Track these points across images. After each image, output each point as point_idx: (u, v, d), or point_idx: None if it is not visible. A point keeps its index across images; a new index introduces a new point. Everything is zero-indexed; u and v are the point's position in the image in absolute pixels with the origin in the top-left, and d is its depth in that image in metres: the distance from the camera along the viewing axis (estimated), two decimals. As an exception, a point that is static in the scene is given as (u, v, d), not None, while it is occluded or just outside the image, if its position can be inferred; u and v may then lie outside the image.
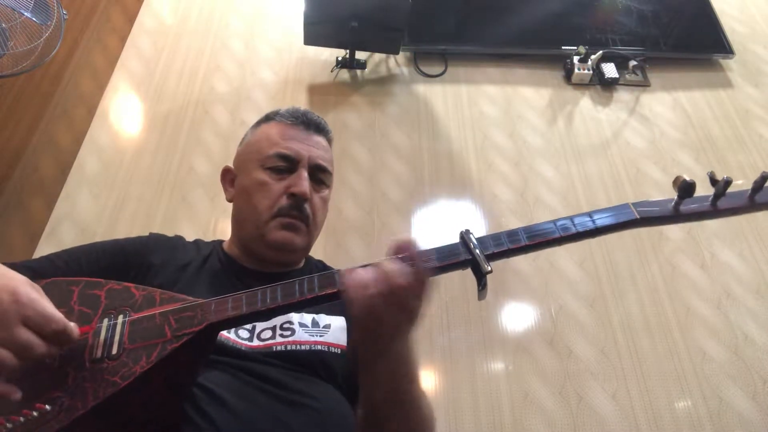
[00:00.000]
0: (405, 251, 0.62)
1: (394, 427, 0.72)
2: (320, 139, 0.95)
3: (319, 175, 0.92)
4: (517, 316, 1.89)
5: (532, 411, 1.69)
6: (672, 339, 1.84)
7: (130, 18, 2.71)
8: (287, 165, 0.90)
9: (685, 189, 0.63)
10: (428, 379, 1.74)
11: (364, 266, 0.62)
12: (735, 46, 2.67)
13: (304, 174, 0.89)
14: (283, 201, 0.88)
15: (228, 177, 0.98)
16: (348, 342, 0.83)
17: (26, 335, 0.56)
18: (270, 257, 0.89)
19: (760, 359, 1.80)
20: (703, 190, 0.66)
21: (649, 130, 2.44)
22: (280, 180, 0.89)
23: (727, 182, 0.63)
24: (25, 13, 1.63)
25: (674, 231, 2.10)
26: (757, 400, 1.72)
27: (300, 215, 0.88)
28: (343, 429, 0.75)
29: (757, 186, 0.64)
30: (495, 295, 1.93)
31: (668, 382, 1.75)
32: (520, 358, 1.79)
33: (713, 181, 0.64)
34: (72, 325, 0.60)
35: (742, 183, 0.65)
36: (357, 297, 0.60)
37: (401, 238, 0.63)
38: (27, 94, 2.08)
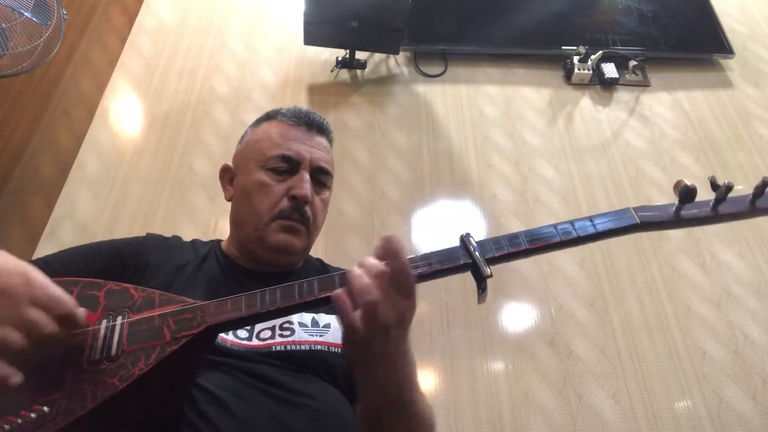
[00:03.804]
0: (392, 253, 0.61)
1: (394, 425, 0.71)
2: (322, 140, 0.93)
3: (320, 177, 0.91)
4: (517, 316, 1.89)
5: (532, 411, 1.69)
6: (672, 339, 1.84)
7: (130, 18, 2.71)
8: (288, 166, 0.88)
9: (687, 194, 0.62)
10: (428, 379, 1.74)
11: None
12: (735, 46, 2.67)
13: (306, 176, 0.87)
14: (284, 203, 0.86)
15: (227, 176, 0.97)
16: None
17: (35, 314, 0.56)
18: (268, 259, 0.88)
19: (760, 359, 1.80)
20: (703, 191, 0.65)
21: (649, 130, 2.44)
22: (281, 181, 0.88)
23: (729, 187, 0.63)
24: (25, 13, 1.63)
25: (674, 231, 2.10)
26: (757, 400, 1.72)
27: (301, 218, 0.86)
28: (342, 429, 0.75)
29: (758, 191, 0.63)
30: (495, 295, 1.93)
31: (668, 382, 1.75)
32: (520, 358, 1.79)
33: (714, 185, 0.64)
34: (80, 309, 0.60)
35: (742, 188, 0.64)
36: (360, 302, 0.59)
37: (390, 239, 0.62)
38: (27, 94, 2.08)
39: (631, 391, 1.73)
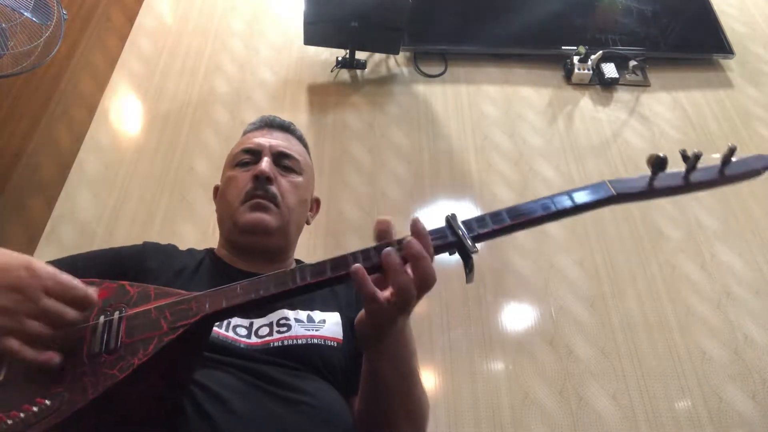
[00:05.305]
0: (388, 234, 0.64)
1: (396, 402, 0.74)
2: (284, 135, 1.00)
3: (283, 162, 0.96)
4: (517, 316, 1.89)
5: (532, 411, 1.69)
6: (672, 339, 1.84)
7: (130, 18, 2.71)
8: (252, 158, 0.95)
9: (658, 164, 0.65)
10: (428, 379, 1.74)
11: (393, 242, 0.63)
12: (735, 46, 2.67)
13: (266, 158, 0.93)
14: (249, 185, 0.91)
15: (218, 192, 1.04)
16: (349, 328, 0.85)
17: (54, 304, 0.58)
18: (248, 244, 0.91)
19: (760, 359, 1.80)
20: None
21: (649, 130, 2.44)
22: (247, 171, 0.94)
23: (697, 156, 0.65)
24: (25, 13, 1.63)
25: (674, 230, 2.10)
26: (757, 400, 1.71)
27: (265, 194, 0.90)
28: (339, 426, 0.75)
29: (726, 159, 0.66)
30: (495, 295, 1.93)
31: (668, 382, 1.75)
32: (520, 358, 1.79)
33: (684, 157, 0.66)
34: (91, 288, 0.62)
35: (715, 157, 0.67)
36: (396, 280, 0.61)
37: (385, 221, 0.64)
38: (27, 94, 2.08)
39: (631, 391, 1.73)
